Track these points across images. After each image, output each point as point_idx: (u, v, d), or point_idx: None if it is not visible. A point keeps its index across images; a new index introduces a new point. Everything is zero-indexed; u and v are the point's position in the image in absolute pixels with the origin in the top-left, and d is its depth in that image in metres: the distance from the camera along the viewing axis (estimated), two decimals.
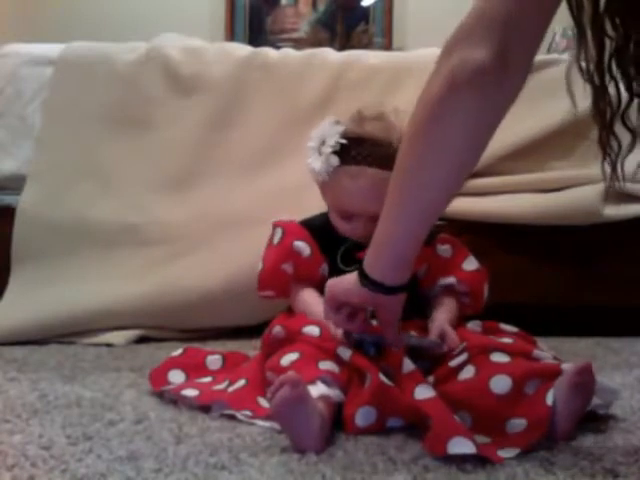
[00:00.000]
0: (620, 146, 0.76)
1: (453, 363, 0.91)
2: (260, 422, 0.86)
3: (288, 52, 1.72)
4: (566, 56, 1.70)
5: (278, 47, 1.78)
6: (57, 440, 0.80)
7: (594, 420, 0.86)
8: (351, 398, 0.85)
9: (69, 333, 1.40)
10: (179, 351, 1.07)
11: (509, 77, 0.73)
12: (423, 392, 0.83)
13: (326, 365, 0.87)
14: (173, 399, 0.96)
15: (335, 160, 1.04)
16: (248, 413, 0.88)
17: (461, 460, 0.73)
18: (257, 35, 3.38)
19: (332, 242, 1.08)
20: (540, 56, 1.38)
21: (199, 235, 1.50)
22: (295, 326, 0.97)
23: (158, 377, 1.01)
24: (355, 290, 0.85)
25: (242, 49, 1.72)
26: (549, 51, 2.37)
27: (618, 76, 0.73)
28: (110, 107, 1.62)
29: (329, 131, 1.05)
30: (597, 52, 0.73)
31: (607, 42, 0.72)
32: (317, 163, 1.05)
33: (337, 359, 0.89)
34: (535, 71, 1.44)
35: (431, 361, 0.95)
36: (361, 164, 1.03)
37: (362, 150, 1.03)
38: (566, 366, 0.86)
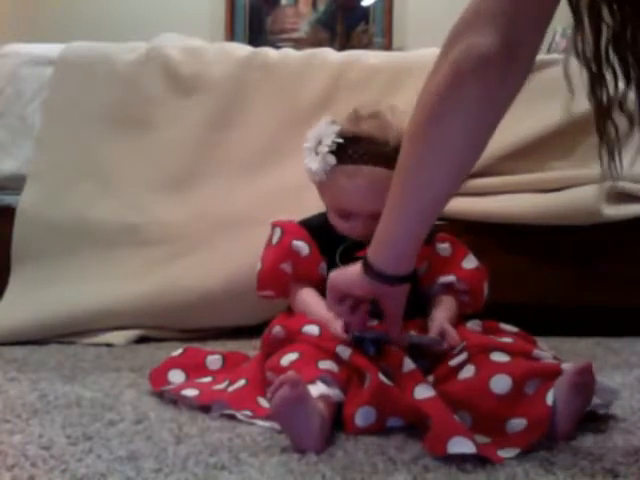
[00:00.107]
0: (617, 131, 0.76)
1: (453, 362, 0.91)
2: (260, 422, 0.86)
3: (288, 52, 1.72)
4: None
5: (278, 47, 1.78)
6: (57, 440, 0.80)
7: (594, 420, 0.86)
8: (351, 398, 0.85)
9: (69, 333, 1.40)
10: (179, 351, 1.07)
11: (514, 68, 0.72)
12: (423, 392, 0.83)
13: (326, 365, 0.87)
14: (173, 399, 0.96)
15: (332, 159, 1.04)
16: (248, 413, 0.88)
17: (461, 460, 0.73)
18: (257, 35, 3.39)
19: (331, 241, 1.08)
20: (540, 56, 1.37)
21: (199, 235, 1.51)
22: (295, 326, 0.97)
23: (158, 377, 1.01)
24: (358, 282, 0.86)
25: (242, 49, 1.72)
26: (549, 51, 2.37)
27: (615, 63, 0.73)
28: (110, 107, 1.62)
29: (325, 131, 1.05)
30: (594, 39, 0.73)
31: (604, 29, 0.72)
32: (314, 163, 1.05)
33: (337, 359, 0.89)
34: (535, 71, 1.44)
35: (431, 360, 0.95)
36: (358, 163, 1.03)
37: (358, 149, 1.03)
38: (566, 366, 0.86)
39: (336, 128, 1.05)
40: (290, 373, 0.79)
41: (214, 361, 1.07)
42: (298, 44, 2.93)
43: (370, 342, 0.93)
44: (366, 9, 3.41)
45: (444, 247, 1.10)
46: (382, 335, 0.93)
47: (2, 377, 1.09)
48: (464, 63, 0.71)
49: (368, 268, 0.84)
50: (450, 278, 1.08)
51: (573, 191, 1.42)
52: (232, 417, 0.88)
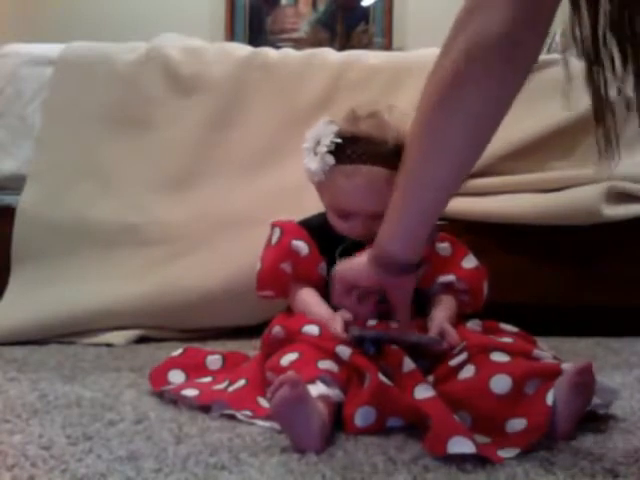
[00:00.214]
0: (614, 115, 0.76)
1: (453, 362, 0.91)
2: (260, 422, 0.86)
3: (288, 52, 1.72)
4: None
5: (278, 47, 1.78)
6: (57, 440, 0.80)
7: (594, 420, 0.86)
8: (351, 398, 0.85)
9: (69, 333, 1.40)
10: (179, 351, 1.07)
11: (517, 55, 0.72)
12: (423, 392, 0.83)
13: (325, 364, 0.87)
14: (173, 399, 0.96)
15: (330, 160, 1.04)
16: (248, 413, 0.88)
17: (461, 460, 0.73)
18: (257, 35, 3.39)
19: (330, 241, 1.08)
20: (540, 56, 1.37)
21: (199, 235, 1.50)
22: (295, 326, 0.97)
23: (158, 377, 1.01)
24: (364, 272, 0.86)
25: (242, 49, 1.72)
26: (549, 51, 2.37)
27: (613, 48, 0.73)
28: (110, 107, 1.62)
29: (323, 131, 1.05)
30: (591, 24, 0.72)
31: (602, 14, 0.72)
32: (313, 163, 1.05)
33: (336, 359, 0.89)
34: (535, 71, 1.44)
35: (431, 360, 0.95)
36: (356, 162, 1.03)
37: (357, 148, 1.03)
38: (566, 366, 0.86)
39: (334, 128, 1.05)
40: (290, 373, 0.79)
41: (214, 361, 1.07)
42: (298, 44, 2.94)
43: (370, 342, 0.93)
44: (366, 9, 3.41)
45: (444, 247, 1.10)
46: (382, 335, 0.93)
47: (2, 377, 1.09)
48: (464, 62, 0.71)
49: (374, 258, 0.84)
50: (450, 278, 1.08)
51: (573, 191, 1.42)
52: (232, 417, 0.88)
